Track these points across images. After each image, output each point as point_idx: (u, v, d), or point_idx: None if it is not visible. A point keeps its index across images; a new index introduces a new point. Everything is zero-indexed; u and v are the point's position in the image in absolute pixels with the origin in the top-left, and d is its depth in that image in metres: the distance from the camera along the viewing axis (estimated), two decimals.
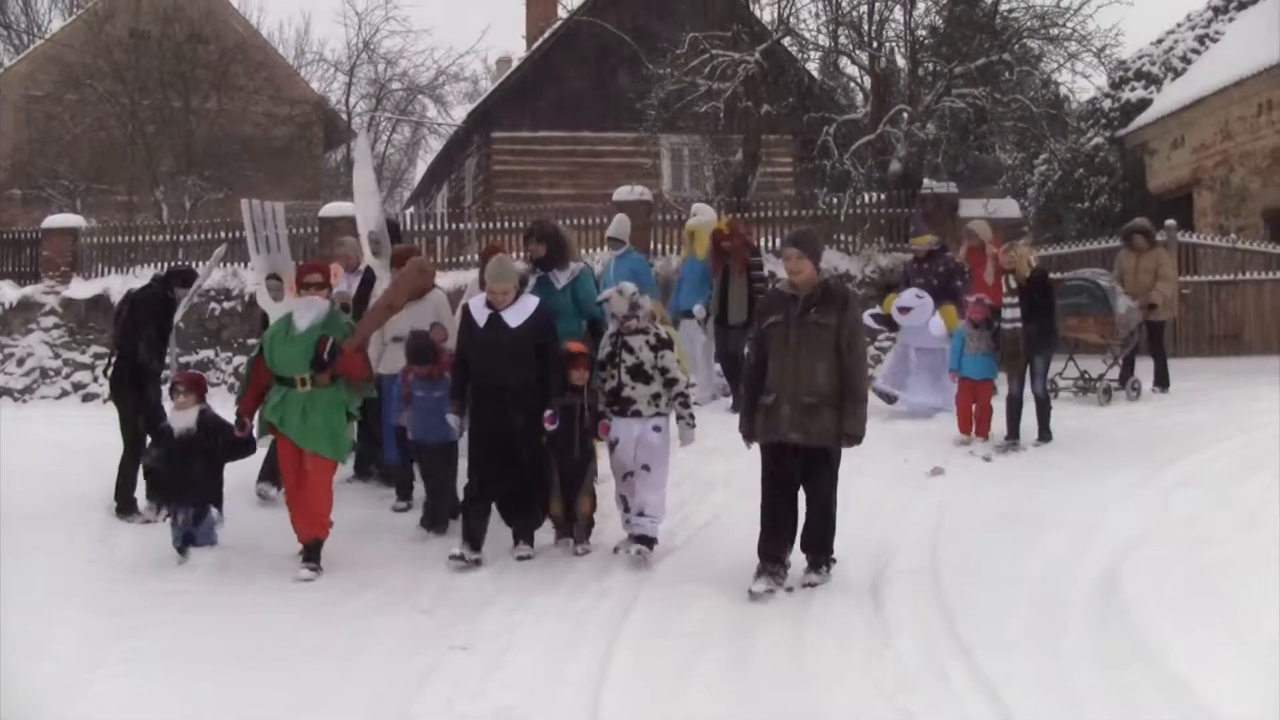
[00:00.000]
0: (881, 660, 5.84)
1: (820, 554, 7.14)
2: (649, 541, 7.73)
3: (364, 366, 8.28)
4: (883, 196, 17.78)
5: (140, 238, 19.43)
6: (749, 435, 7.21)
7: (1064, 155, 22.04)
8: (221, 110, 27.17)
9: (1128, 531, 7.45)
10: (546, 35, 26.80)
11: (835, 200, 18.02)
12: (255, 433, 8.40)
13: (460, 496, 8.43)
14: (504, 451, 7.86)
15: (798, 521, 7.15)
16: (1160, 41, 24.59)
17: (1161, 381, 13.22)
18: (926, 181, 17.72)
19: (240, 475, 9.09)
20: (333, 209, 18.48)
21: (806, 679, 5.71)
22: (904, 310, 11.88)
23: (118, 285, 16.73)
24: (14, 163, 28.16)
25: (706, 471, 9.54)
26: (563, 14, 26.73)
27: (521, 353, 7.83)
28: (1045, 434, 10.62)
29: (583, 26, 24.12)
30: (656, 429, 7.91)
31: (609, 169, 23.14)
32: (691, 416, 7.94)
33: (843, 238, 17.86)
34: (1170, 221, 17.53)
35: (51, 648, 6.31)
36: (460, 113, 30.93)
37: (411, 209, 33.53)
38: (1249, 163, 20.43)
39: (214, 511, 8.36)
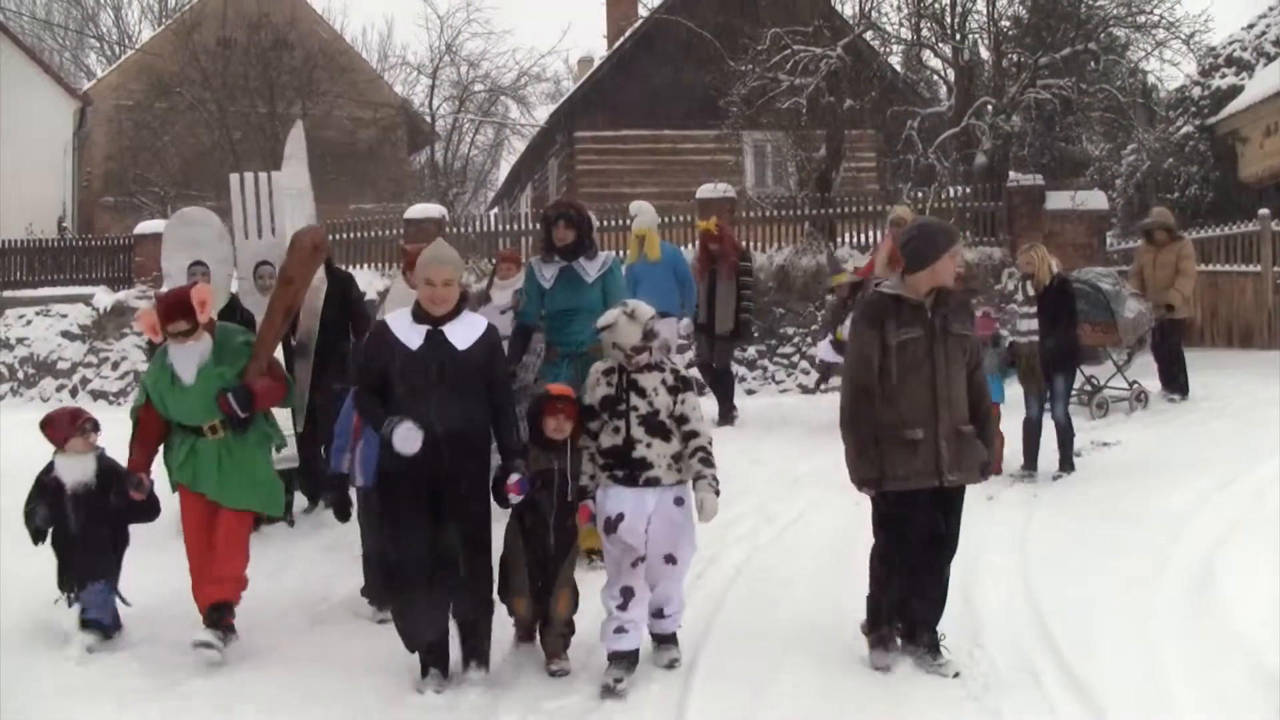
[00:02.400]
0: (971, 659, 5.78)
1: (937, 625, 5.94)
2: (672, 640, 6.08)
3: (281, 387, 6.52)
4: (968, 190, 17.60)
5: None
6: (875, 481, 5.73)
7: (1153, 145, 21.70)
8: (306, 115, 27.48)
9: (1219, 528, 7.35)
10: (628, 34, 26.89)
11: (920, 195, 17.87)
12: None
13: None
14: (442, 529, 5.73)
15: None
16: (1252, 26, 24.04)
17: (1179, 388, 12.20)
18: (1012, 174, 17.53)
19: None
20: (418, 210, 18.76)
21: (894, 678, 5.66)
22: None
23: None
24: (107, 171, 28.76)
25: (795, 468, 9.50)
26: (643, 12, 26.77)
27: (473, 386, 5.72)
28: (1067, 464, 9.49)
29: (663, 25, 24.15)
30: (679, 500, 5.85)
31: (691, 167, 23.11)
32: (715, 478, 5.75)
33: None
34: (1264, 210, 17.20)
35: (140, 651, 6.46)
36: (543, 113, 31.13)
37: (496, 209, 33.84)
38: None
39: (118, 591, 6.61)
